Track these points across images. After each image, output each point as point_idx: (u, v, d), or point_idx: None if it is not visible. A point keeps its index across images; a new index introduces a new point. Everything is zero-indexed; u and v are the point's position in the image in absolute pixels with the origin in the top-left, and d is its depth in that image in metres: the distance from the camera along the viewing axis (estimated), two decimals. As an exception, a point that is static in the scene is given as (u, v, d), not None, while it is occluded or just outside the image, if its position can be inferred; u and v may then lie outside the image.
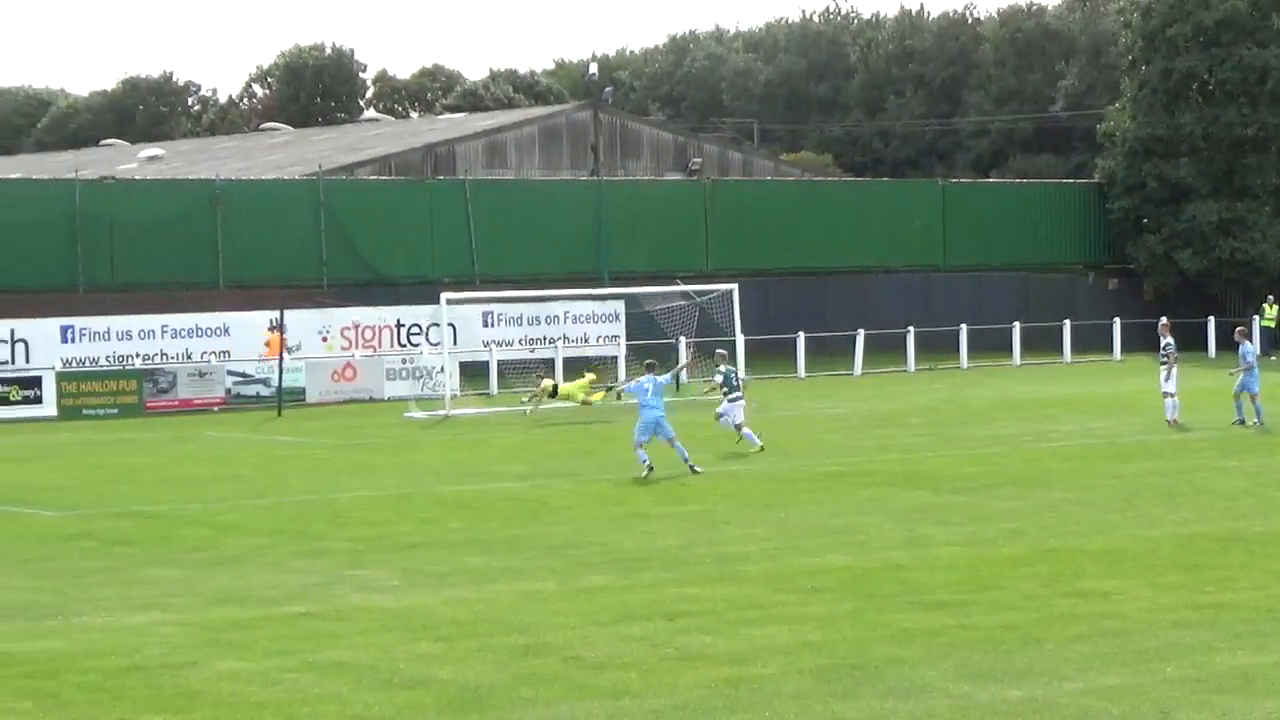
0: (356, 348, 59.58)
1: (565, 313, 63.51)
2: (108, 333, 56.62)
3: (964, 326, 67.92)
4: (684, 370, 45.51)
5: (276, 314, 55.06)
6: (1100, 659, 17.37)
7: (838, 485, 32.16)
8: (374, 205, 66.35)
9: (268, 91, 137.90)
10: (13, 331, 55.52)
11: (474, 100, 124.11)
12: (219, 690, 16.82)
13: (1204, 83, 76.64)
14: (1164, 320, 48.00)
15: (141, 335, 57.06)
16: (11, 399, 52.53)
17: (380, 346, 60.10)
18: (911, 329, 66.86)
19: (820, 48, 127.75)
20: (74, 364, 55.05)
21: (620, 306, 63.39)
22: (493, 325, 62.59)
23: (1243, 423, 41.42)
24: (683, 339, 58.85)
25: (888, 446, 39.00)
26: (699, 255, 70.78)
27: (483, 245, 66.41)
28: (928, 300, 73.49)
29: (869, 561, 23.49)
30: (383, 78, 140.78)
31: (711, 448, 37.91)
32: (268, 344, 56.90)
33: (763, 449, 37.83)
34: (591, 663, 17.63)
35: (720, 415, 40.15)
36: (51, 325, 56.09)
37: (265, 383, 54.79)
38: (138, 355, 56.62)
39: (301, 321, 57.46)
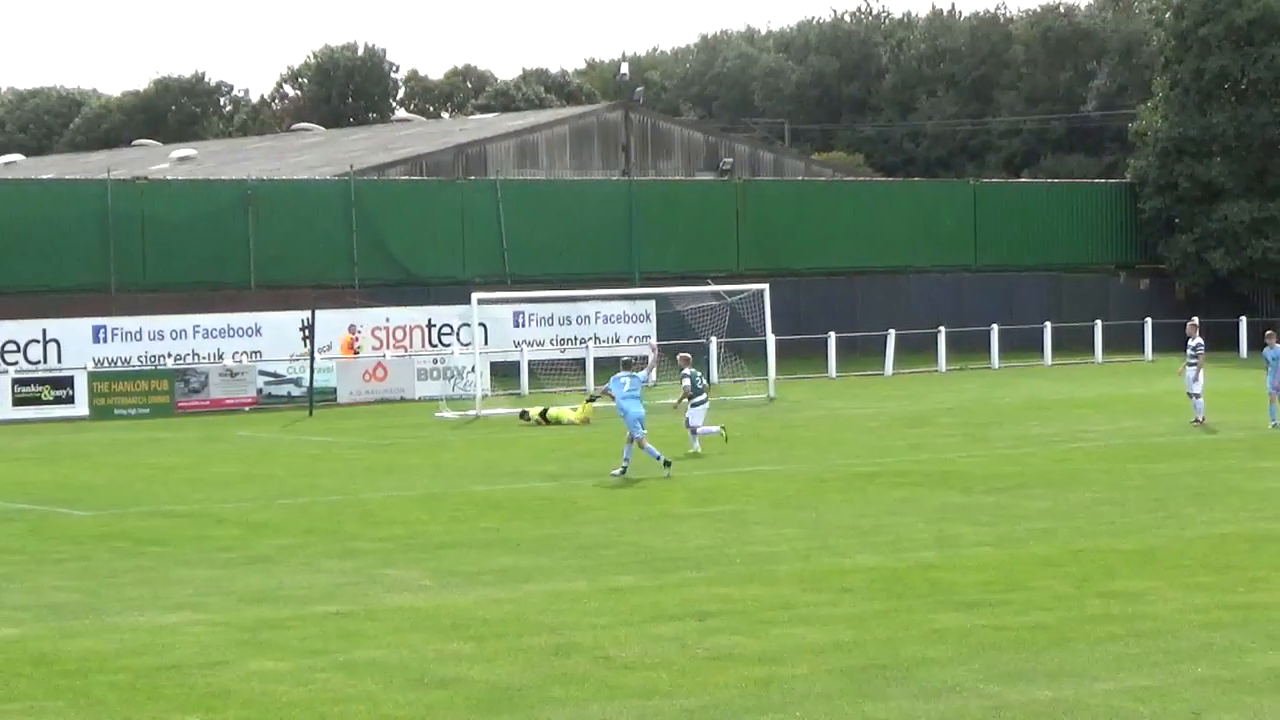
0: (388, 348, 59.74)
1: (596, 313, 63.61)
2: (139, 333, 56.84)
3: (995, 326, 67.85)
4: (652, 371, 45.09)
5: (308, 314, 55.12)
6: (1131, 659, 17.32)
7: (869, 485, 32.11)
8: (405, 205, 66.48)
9: (299, 92, 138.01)
10: (45, 331, 55.77)
11: (505, 100, 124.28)
12: (250, 689, 16.85)
13: (1236, 82, 76.46)
14: (1193, 320, 47.66)
15: (173, 335, 57.27)
16: (44, 399, 52.67)
17: (411, 346, 60.25)
18: (943, 329, 66.78)
19: (852, 47, 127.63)
20: (106, 364, 55.24)
21: (651, 306, 63.47)
22: (524, 325, 62.73)
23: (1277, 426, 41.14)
24: (714, 339, 58.88)
25: (919, 447, 38.94)
26: (730, 255, 70.81)
27: (514, 245, 66.47)
28: (959, 300, 73.40)
29: (900, 562, 23.45)
30: (414, 78, 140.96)
31: (711, 448, 38.04)
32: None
33: (697, 455, 37.17)
34: (622, 663, 17.62)
35: (689, 423, 38.55)
36: (83, 325, 56.33)
37: (296, 383, 54.84)
38: (169, 355, 56.84)
39: (330, 322, 57.57)
